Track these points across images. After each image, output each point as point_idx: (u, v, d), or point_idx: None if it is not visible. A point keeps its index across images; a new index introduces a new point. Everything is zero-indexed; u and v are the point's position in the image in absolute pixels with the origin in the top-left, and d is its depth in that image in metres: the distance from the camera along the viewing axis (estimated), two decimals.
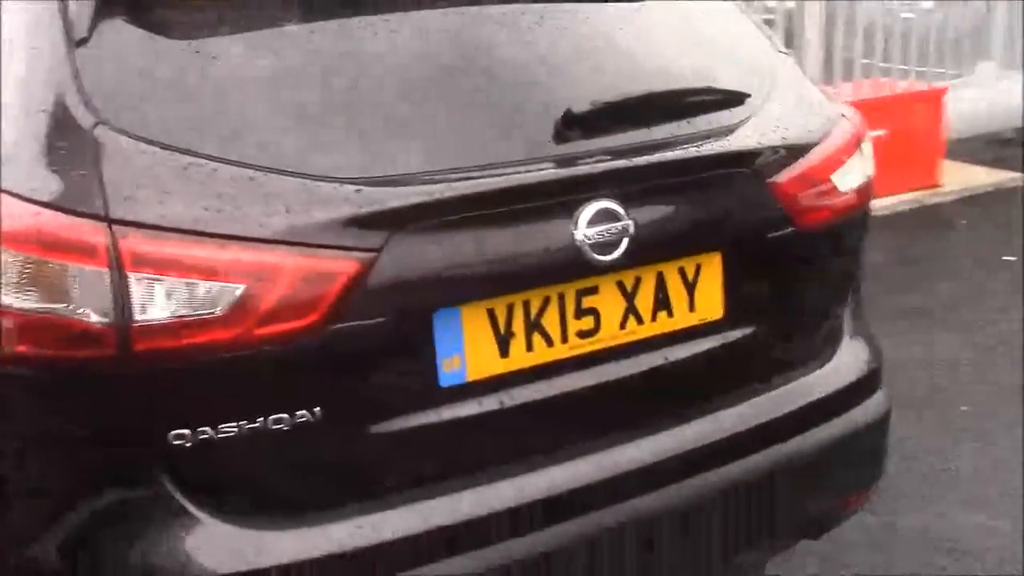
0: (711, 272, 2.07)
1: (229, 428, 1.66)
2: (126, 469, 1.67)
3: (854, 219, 2.31)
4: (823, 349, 2.32)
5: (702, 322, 2.08)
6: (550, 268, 1.85)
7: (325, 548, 1.72)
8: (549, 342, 1.91)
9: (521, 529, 1.86)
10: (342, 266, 1.67)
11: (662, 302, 2.02)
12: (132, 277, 1.58)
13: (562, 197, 1.84)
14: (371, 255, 1.68)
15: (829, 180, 2.20)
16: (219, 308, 1.61)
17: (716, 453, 2.07)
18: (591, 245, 1.85)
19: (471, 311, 1.82)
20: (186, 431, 1.65)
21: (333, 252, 1.67)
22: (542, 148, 1.87)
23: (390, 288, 1.72)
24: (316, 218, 1.66)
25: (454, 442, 1.85)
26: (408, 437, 1.80)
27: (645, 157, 1.93)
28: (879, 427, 2.39)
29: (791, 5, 7.17)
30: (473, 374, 1.84)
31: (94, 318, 1.58)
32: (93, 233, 1.58)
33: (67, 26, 1.75)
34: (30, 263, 1.59)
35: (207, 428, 1.65)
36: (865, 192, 2.32)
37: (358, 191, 1.69)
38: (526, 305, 1.87)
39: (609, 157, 1.91)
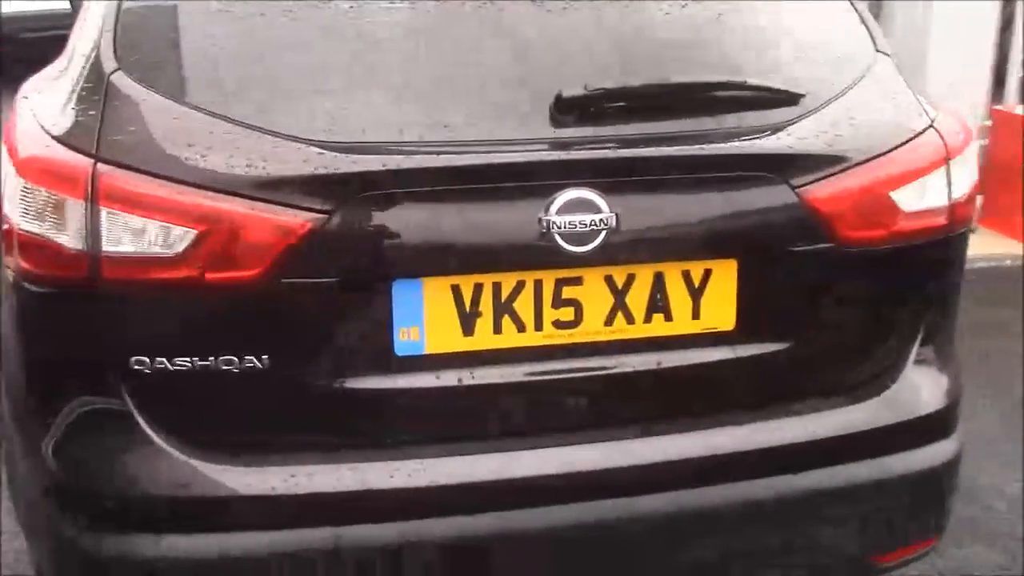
0: (723, 280, 1.94)
1: (182, 362, 1.78)
2: (99, 385, 1.84)
3: (927, 243, 2.07)
4: (869, 382, 2.11)
5: (707, 331, 1.96)
6: (519, 252, 1.82)
7: (258, 489, 1.81)
8: (521, 327, 1.88)
9: (455, 509, 1.86)
10: (292, 223, 1.73)
11: (659, 304, 1.92)
12: (104, 211, 1.73)
13: (534, 181, 1.80)
14: (322, 216, 1.74)
15: (887, 197, 1.99)
16: (175, 249, 1.73)
17: (697, 470, 1.96)
18: (561, 234, 1.79)
19: (434, 284, 1.83)
20: (145, 359, 1.79)
21: (285, 209, 1.73)
22: (529, 130, 1.84)
23: (343, 251, 1.76)
24: (274, 174, 1.74)
25: (406, 411, 1.88)
26: (359, 399, 1.84)
27: (639, 150, 1.84)
28: (931, 480, 2.14)
29: None
30: (433, 347, 1.85)
31: (71, 244, 1.75)
32: (79, 167, 1.75)
33: None
34: (32, 189, 1.79)
35: (163, 359, 1.78)
36: (950, 214, 2.07)
37: (320, 154, 1.75)
38: (496, 287, 1.85)
39: (599, 146, 1.84)
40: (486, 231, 1.82)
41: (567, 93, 1.82)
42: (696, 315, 1.94)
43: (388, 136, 1.79)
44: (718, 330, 1.96)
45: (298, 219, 1.74)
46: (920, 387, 2.14)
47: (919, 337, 2.15)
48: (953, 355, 2.25)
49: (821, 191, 1.93)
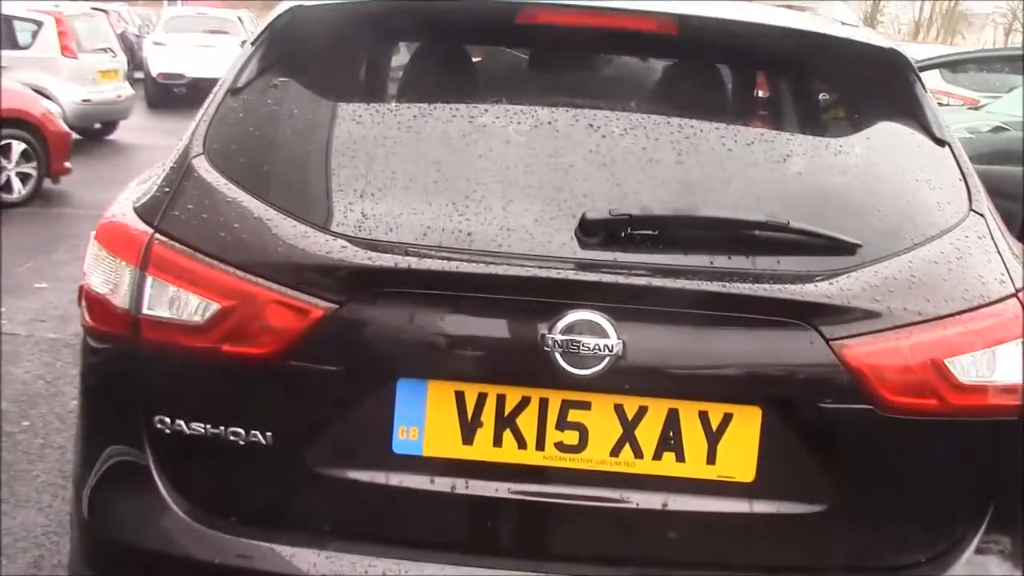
0: (745, 427, 1.84)
1: (196, 427, 1.89)
2: (129, 438, 1.97)
3: (997, 421, 1.87)
4: (916, 564, 1.90)
5: (723, 479, 1.85)
6: (522, 368, 1.81)
7: (241, 561, 1.87)
8: (522, 444, 1.85)
9: None
10: (306, 309, 1.81)
11: (671, 443, 1.84)
12: (150, 278, 1.89)
13: (543, 298, 1.79)
14: (335, 307, 1.81)
15: (942, 364, 1.83)
16: (200, 319, 1.85)
17: None
18: (563, 354, 1.77)
19: (438, 388, 1.84)
20: (167, 418, 1.90)
21: (302, 295, 1.82)
22: (550, 248, 1.83)
23: (351, 343, 1.82)
24: (296, 261, 1.83)
25: (396, 510, 1.88)
26: (352, 490, 1.87)
27: (654, 279, 1.79)
28: None
29: None
30: (430, 450, 1.85)
31: (120, 303, 1.91)
32: (139, 237, 1.92)
33: (237, 74, 2.14)
34: (99, 249, 1.98)
35: (181, 422, 1.90)
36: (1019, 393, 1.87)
37: (344, 247, 1.83)
38: (501, 399, 1.84)
39: (615, 271, 1.81)
40: (492, 342, 1.83)
41: (591, 215, 1.82)
42: (712, 460, 1.84)
43: (410, 238, 1.85)
44: (735, 480, 1.85)
45: (312, 306, 1.81)
46: None
47: (984, 524, 1.92)
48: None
49: (860, 348, 1.80)
